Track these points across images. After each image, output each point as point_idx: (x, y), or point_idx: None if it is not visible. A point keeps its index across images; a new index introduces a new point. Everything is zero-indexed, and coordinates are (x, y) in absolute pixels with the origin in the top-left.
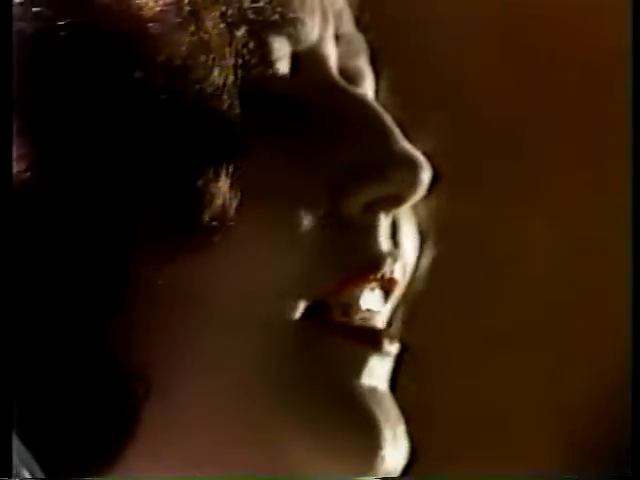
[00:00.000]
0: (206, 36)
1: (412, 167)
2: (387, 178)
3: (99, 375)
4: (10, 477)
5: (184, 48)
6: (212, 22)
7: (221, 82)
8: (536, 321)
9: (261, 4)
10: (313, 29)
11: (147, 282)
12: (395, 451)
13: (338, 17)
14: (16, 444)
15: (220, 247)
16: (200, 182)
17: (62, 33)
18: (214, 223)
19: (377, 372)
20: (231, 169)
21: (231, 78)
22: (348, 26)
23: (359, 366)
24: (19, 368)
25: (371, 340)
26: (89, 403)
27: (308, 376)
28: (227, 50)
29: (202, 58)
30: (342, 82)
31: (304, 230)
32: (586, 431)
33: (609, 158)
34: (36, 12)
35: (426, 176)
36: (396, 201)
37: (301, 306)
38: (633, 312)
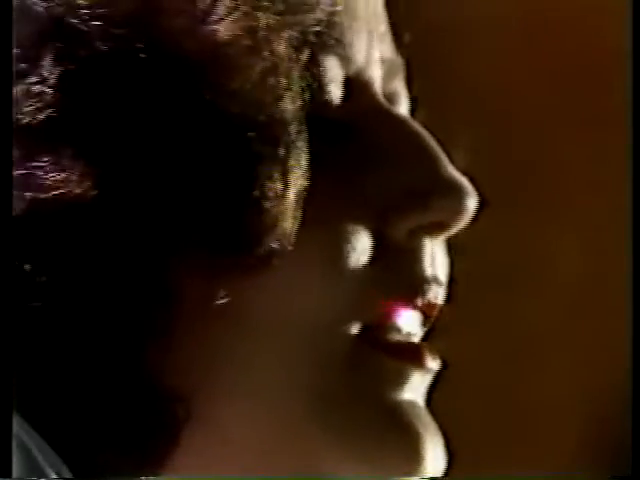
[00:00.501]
0: (277, 60)
1: (458, 195)
2: (433, 205)
3: (141, 395)
4: (10, 477)
5: (256, 73)
6: (282, 46)
7: (290, 107)
8: (560, 331)
9: (318, 27)
10: (361, 51)
11: (196, 302)
12: (434, 464)
13: (381, 39)
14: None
15: (275, 269)
16: (268, 204)
17: (137, 53)
18: (276, 245)
19: (417, 388)
20: (296, 193)
21: (299, 103)
22: (389, 48)
23: (401, 382)
24: (63, 384)
25: (414, 357)
26: (130, 423)
27: (350, 393)
28: (295, 74)
29: (272, 82)
30: (390, 107)
31: (352, 255)
32: (586, 431)
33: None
34: (110, 32)
35: (472, 203)
36: (441, 227)
37: (347, 328)
38: (633, 314)
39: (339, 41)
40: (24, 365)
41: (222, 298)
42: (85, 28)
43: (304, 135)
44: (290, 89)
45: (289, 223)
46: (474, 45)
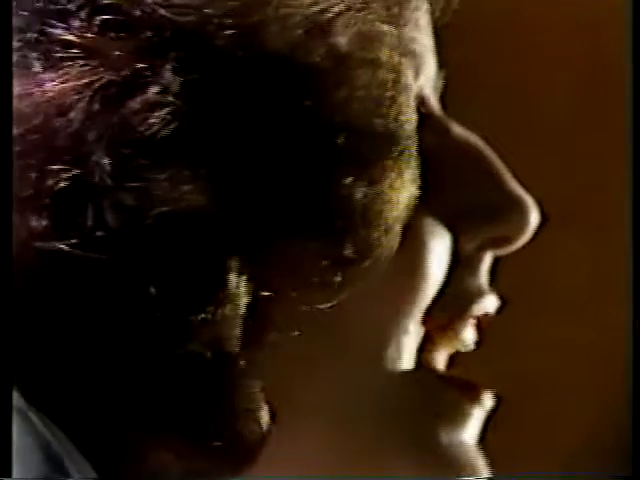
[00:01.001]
0: (384, 73)
1: (523, 210)
2: (501, 220)
3: (226, 406)
4: (10, 477)
5: (364, 84)
6: (397, 58)
7: (396, 120)
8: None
9: (407, 37)
10: (426, 65)
11: (286, 311)
12: None
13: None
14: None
15: (369, 282)
16: (381, 214)
17: (262, 63)
18: (384, 256)
19: (473, 423)
20: (406, 205)
21: (403, 117)
22: (436, 62)
23: (459, 415)
24: (143, 398)
25: (472, 393)
26: (213, 433)
27: (410, 420)
28: (408, 86)
29: (390, 93)
30: (453, 123)
31: (436, 269)
32: (586, 432)
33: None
34: (240, 42)
35: (535, 219)
36: (505, 242)
37: (416, 338)
38: (633, 314)
39: (416, 53)
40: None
41: (312, 309)
42: (216, 37)
43: (416, 144)
44: (404, 99)
45: (397, 234)
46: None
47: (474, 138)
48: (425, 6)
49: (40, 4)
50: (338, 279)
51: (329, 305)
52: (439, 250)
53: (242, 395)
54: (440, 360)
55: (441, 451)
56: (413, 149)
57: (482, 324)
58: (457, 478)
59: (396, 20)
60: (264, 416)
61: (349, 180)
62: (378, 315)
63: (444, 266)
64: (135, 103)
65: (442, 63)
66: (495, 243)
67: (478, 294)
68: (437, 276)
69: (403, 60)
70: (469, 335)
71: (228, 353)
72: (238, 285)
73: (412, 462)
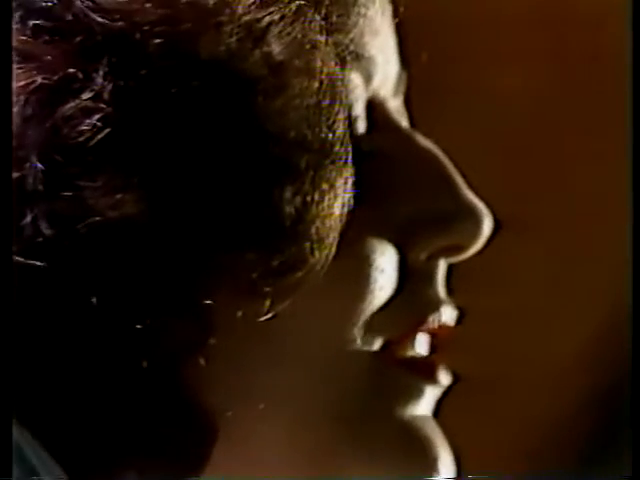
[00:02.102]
0: (327, 80)
1: (476, 217)
2: (453, 229)
3: (175, 410)
4: (10, 477)
5: (309, 92)
6: (332, 65)
7: (341, 126)
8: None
9: (353, 45)
10: (380, 69)
11: (230, 321)
12: (446, 473)
13: (393, 56)
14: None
15: (308, 291)
16: (314, 223)
17: (194, 72)
18: (318, 266)
19: (430, 402)
20: (342, 212)
21: (346, 122)
22: (398, 64)
23: (417, 397)
24: (103, 401)
25: (427, 372)
26: (163, 438)
27: (371, 411)
28: (343, 93)
29: (324, 101)
30: (407, 128)
31: (379, 278)
32: (585, 431)
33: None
34: (170, 50)
35: (488, 227)
36: (458, 250)
37: (369, 350)
38: (633, 313)
39: (366, 58)
40: (54, 383)
41: (255, 316)
42: (147, 45)
43: (350, 154)
44: (339, 108)
45: (331, 245)
46: (473, 55)
47: (429, 145)
48: (376, 9)
49: None
50: (270, 290)
51: (268, 316)
52: (380, 260)
53: (188, 401)
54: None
55: (398, 431)
56: (347, 159)
57: (440, 334)
58: (418, 456)
59: (335, 27)
60: (212, 420)
61: (279, 191)
62: (318, 325)
63: (389, 276)
64: (67, 109)
65: (405, 65)
66: (447, 251)
67: (434, 305)
68: (380, 286)
69: (343, 68)
70: (425, 345)
71: (172, 361)
72: (177, 293)
73: (371, 447)
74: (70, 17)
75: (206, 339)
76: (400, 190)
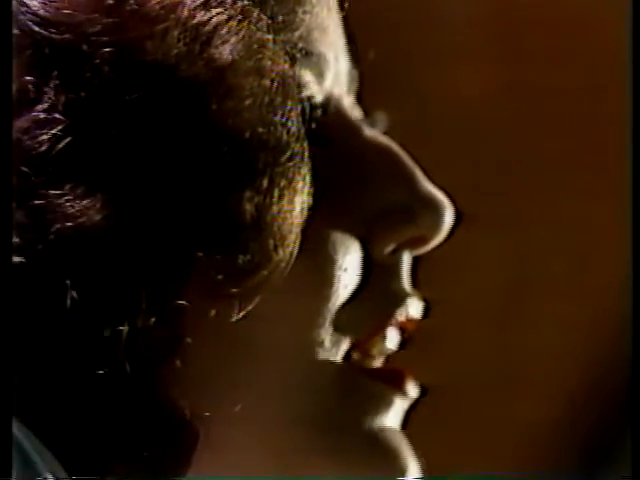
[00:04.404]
0: (277, 78)
1: (437, 209)
2: (415, 221)
3: (153, 414)
4: (10, 477)
5: (259, 92)
6: (281, 64)
7: (295, 123)
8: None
9: (302, 43)
10: (332, 66)
11: (201, 325)
12: None
13: (343, 52)
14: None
15: (272, 292)
16: (275, 223)
17: (143, 78)
18: (283, 264)
19: (397, 413)
20: (302, 210)
21: (299, 119)
22: (348, 61)
23: (384, 407)
24: (75, 402)
25: (396, 382)
26: (143, 442)
27: (336, 416)
28: (294, 91)
29: (276, 100)
30: (362, 124)
31: (342, 276)
32: (586, 431)
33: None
34: (119, 59)
35: (450, 218)
36: (421, 242)
37: (336, 350)
38: (633, 313)
39: (316, 55)
40: (38, 384)
41: (229, 319)
42: (95, 55)
43: (307, 151)
44: (292, 106)
45: (294, 242)
46: (441, 49)
47: (386, 140)
48: (322, 6)
49: None
50: (237, 290)
51: (238, 317)
52: (343, 258)
53: (166, 403)
54: (370, 360)
55: (367, 441)
56: (304, 156)
57: (408, 328)
58: (384, 466)
59: (283, 26)
60: (191, 422)
61: (238, 191)
62: (285, 327)
63: (352, 273)
64: (24, 121)
65: (357, 62)
66: (411, 244)
67: (400, 298)
68: (344, 284)
69: (293, 66)
70: (394, 339)
71: (146, 363)
72: (145, 296)
73: (340, 455)
74: (17, 31)
75: (180, 340)
76: (360, 185)
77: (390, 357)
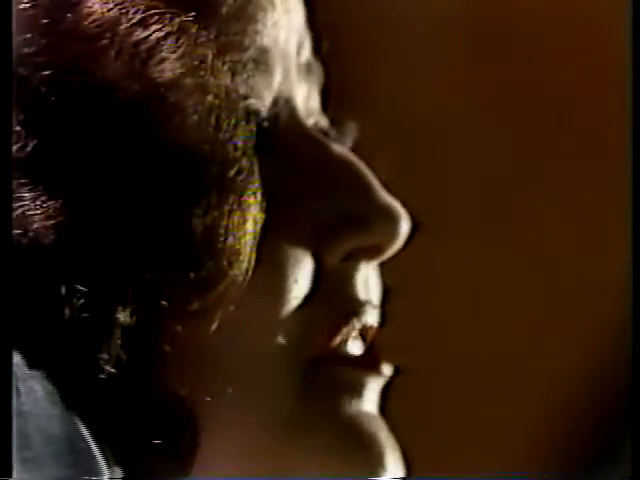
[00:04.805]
0: (219, 93)
1: (392, 218)
2: (368, 228)
3: (162, 406)
4: (10, 477)
5: (202, 108)
6: (223, 79)
7: (241, 137)
8: (529, 330)
9: (253, 57)
10: (281, 71)
11: (169, 334)
12: (394, 471)
13: (301, 46)
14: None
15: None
16: (228, 238)
17: (85, 98)
18: (239, 278)
19: (372, 396)
20: (254, 225)
21: (247, 132)
22: (308, 55)
23: (357, 390)
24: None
25: (368, 363)
26: (158, 432)
27: (311, 412)
28: (240, 105)
29: (220, 115)
30: (314, 131)
31: (294, 284)
32: (586, 431)
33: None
34: (58, 80)
35: (405, 227)
36: (376, 251)
37: (298, 354)
38: (633, 313)
39: (266, 63)
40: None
41: (192, 330)
42: (33, 77)
43: (256, 165)
44: (237, 120)
45: (248, 256)
46: (407, 54)
47: (340, 148)
48: (280, 27)
49: None
50: (196, 306)
51: (206, 331)
52: (293, 269)
53: (173, 398)
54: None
55: (342, 429)
56: (253, 170)
57: (368, 335)
58: (363, 453)
59: (232, 47)
60: (192, 412)
61: (186, 208)
62: (242, 337)
63: (303, 284)
64: None
65: (317, 52)
66: (365, 253)
67: (352, 307)
68: (294, 295)
69: (236, 77)
70: (354, 348)
71: (157, 366)
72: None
73: (321, 443)
74: None
75: (159, 348)
76: (312, 194)
77: None
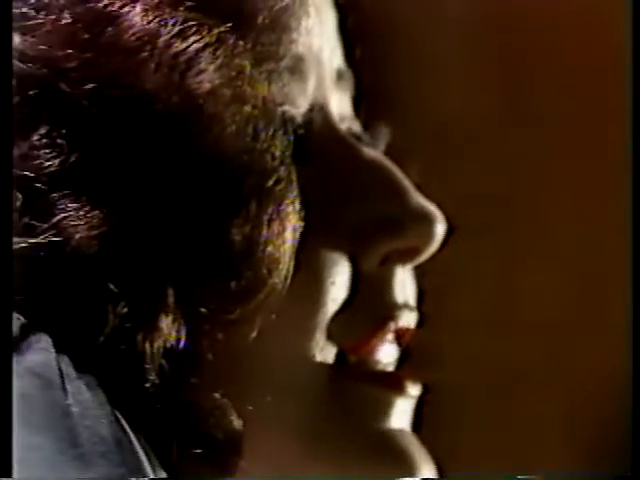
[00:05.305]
0: (257, 104)
1: (428, 221)
2: (405, 232)
3: (204, 414)
4: (10, 477)
5: (240, 118)
6: (260, 89)
7: (278, 146)
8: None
9: (289, 66)
10: (314, 78)
11: (210, 341)
12: None
13: (334, 53)
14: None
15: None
16: (268, 247)
17: (126, 110)
18: (279, 286)
19: (401, 414)
20: (293, 233)
21: (285, 141)
22: (340, 61)
23: (385, 410)
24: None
25: (394, 384)
26: (204, 439)
27: (338, 426)
28: (277, 114)
29: (258, 125)
30: (349, 136)
31: (332, 289)
32: (586, 431)
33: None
34: (100, 94)
35: (441, 229)
36: (412, 254)
37: (329, 362)
38: (633, 316)
39: (301, 71)
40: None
41: (236, 341)
42: (75, 91)
43: (294, 173)
44: (274, 129)
45: (287, 264)
46: (441, 55)
47: (373, 153)
48: (314, 35)
49: None
50: (237, 314)
51: (246, 339)
52: (331, 272)
53: (208, 400)
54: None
55: (370, 443)
56: (290, 179)
57: (404, 338)
58: (393, 467)
59: (268, 56)
60: (234, 419)
61: (226, 219)
62: (278, 343)
63: (340, 287)
64: (29, 143)
65: (355, 74)
66: (401, 256)
67: (390, 309)
68: (332, 298)
69: (276, 88)
70: (389, 351)
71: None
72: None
73: (343, 461)
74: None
75: (201, 358)
76: (347, 199)
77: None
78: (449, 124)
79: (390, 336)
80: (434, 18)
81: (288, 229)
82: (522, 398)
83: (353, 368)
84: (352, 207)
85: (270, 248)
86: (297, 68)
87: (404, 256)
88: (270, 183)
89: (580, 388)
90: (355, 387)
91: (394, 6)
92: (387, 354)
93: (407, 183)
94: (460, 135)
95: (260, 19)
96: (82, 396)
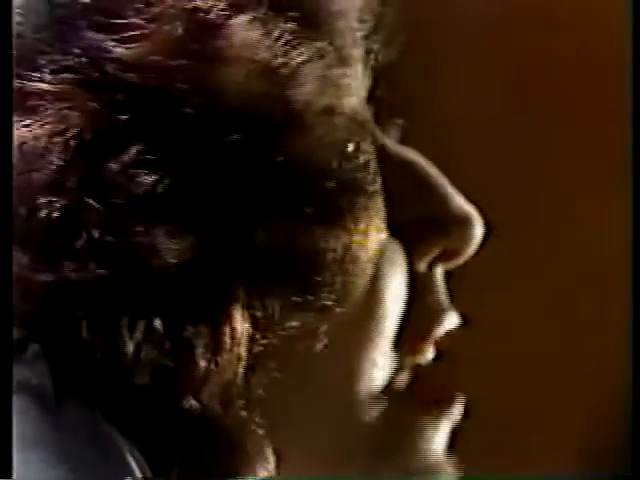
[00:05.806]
0: (351, 114)
1: (469, 222)
2: (447, 234)
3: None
4: (10, 477)
5: (327, 129)
6: (353, 100)
7: (358, 160)
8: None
9: (357, 61)
10: (357, 77)
11: (279, 356)
12: None
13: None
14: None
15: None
16: (354, 255)
17: (226, 121)
18: (358, 297)
19: (442, 433)
20: (376, 246)
21: (366, 158)
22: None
23: (429, 429)
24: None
25: (441, 404)
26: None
27: (392, 444)
28: (367, 125)
29: (352, 135)
30: (388, 140)
31: (392, 298)
32: (586, 431)
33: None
34: (204, 103)
35: (479, 230)
36: (454, 255)
37: (387, 370)
38: (633, 316)
39: (362, 74)
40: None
41: (313, 351)
42: (183, 101)
43: (380, 182)
44: (362, 137)
45: (369, 273)
46: (468, 56)
47: (412, 154)
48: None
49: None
50: (324, 328)
51: (321, 347)
52: (398, 276)
53: (247, 436)
54: (404, 376)
55: (414, 465)
56: (379, 189)
57: (440, 340)
58: None
59: (346, 62)
60: (270, 457)
61: (322, 232)
62: (345, 355)
63: (403, 291)
64: (118, 161)
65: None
66: (445, 257)
67: (441, 311)
68: (397, 304)
69: (354, 98)
70: (431, 353)
71: (231, 398)
72: (237, 333)
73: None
74: (96, 75)
75: (270, 373)
76: (400, 202)
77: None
78: (456, 122)
79: (434, 339)
80: (442, 17)
81: (375, 240)
82: (522, 398)
83: (409, 391)
84: (405, 210)
85: (361, 260)
86: (362, 72)
87: (446, 258)
88: (365, 195)
89: (580, 388)
90: (411, 410)
91: (402, 4)
92: (425, 356)
93: (446, 183)
94: (466, 133)
95: (349, 39)
96: (74, 409)
